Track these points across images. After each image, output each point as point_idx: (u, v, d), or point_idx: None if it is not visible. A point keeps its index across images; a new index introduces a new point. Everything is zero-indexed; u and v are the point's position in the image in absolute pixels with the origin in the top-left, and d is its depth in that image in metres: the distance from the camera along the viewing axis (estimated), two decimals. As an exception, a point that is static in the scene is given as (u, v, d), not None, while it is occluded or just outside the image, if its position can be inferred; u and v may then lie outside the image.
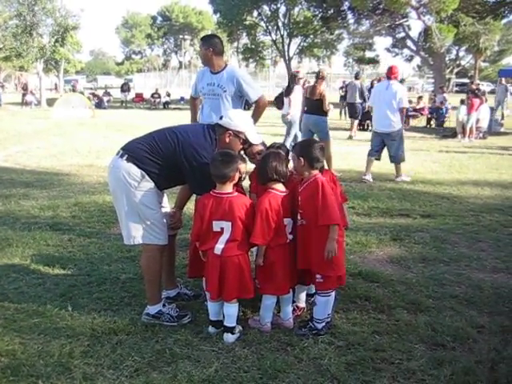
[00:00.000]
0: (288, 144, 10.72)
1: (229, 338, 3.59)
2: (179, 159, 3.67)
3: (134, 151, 3.73)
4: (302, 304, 4.10)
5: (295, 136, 11.09)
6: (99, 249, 5.52)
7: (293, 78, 11.36)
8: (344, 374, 3.19)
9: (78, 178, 9.57)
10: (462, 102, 16.84)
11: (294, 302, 4.04)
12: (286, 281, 3.76)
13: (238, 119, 3.83)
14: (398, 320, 3.91)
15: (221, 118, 3.89)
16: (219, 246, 3.55)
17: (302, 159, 3.67)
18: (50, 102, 27.60)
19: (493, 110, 18.28)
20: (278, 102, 12.04)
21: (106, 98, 33.57)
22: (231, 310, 3.63)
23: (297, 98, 10.89)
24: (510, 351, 3.45)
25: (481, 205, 7.65)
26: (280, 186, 3.70)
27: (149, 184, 3.71)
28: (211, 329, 3.71)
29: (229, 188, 3.59)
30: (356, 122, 17.17)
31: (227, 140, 3.79)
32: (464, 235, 6.10)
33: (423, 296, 4.36)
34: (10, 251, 5.33)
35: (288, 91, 11.28)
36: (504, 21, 33.64)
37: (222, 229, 3.55)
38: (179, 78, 63.65)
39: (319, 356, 3.40)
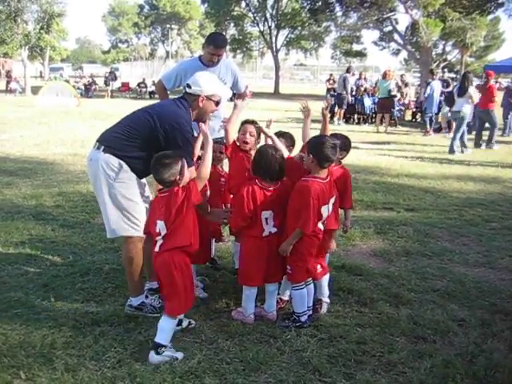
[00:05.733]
0: (457, 139, 12.50)
1: (152, 357, 3.23)
2: (159, 135, 3.62)
3: (110, 141, 3.70)
4: (286, 297, 4.11)
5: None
6: (83, 239, 5.49)
7: (466, 79, 12.56)
8: (326, 366, 3.22)
9: (62, 167, 9.48)
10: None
11: (278, 294, 4.06)
12: (259, 273, 3.76)
13: (207, 84, 3.80)
14: (380, 313, 3.95)
15: (188, 86, 3.83)
16: (156, 248, 3.36)
17: (311, 156, 3.67)
18: (35, 90, 27.28)
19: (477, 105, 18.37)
20: (450, 100, 13.88)
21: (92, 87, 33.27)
22: (163, 324, 3.31)
23: (475, 97, 12.55)
24: (489, 344, 3.51)
25: (464, 199, 7.72)
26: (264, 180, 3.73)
27: (127, 175, 3.67)
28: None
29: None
30: (342, 111, 18.90)
31: (201, 105, 3.79)
32: (447, 229, 6.16)
33: (405, 289, 4.40)
34: (-8, 241, 5.28)
35: (462, 91, 12.49)
36: (490, 17, 33.84)
37: (160, 229, 3.33)
38: (166, 68, 63.19)
39: (301, 348, 3.43)
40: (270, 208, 3.71)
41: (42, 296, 4.08)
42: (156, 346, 3.24)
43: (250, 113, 5.16)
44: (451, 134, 15.86)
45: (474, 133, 14.41)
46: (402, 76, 23.28)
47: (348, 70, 19.52)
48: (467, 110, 12.51)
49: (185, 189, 3.28)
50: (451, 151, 12.34)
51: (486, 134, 13.79)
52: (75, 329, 3.59)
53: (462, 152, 12.50)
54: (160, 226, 3.27)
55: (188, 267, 3.35)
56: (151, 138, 3.64)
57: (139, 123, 3.72)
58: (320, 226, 3.77)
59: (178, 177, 3.26)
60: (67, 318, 3.73)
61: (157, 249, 3.33)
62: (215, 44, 4.85)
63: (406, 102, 20.75)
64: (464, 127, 12.57)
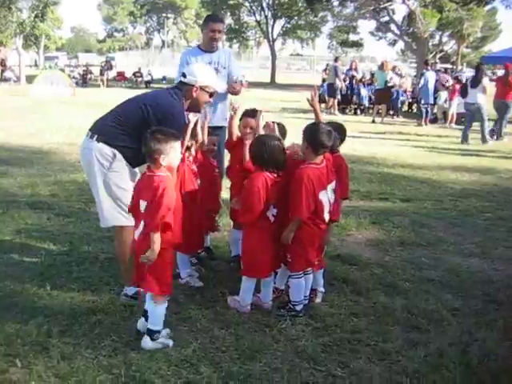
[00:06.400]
0: (486, 128, 12.68)
1: (146, 343, 3.24)
2: (151, 124, 3.56)
3: (103, 130, 3.69)
4: (282, 286, 4.12)
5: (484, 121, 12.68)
6: (78, 228, 5.49)
7: (480, 70, 12.86)
8: (320, 354, 3.24)
9: (58, 156, 9.46)
10: (444, 87, 16.91)
11: (274, 283, 4.07)
12: (268, 263, 3.76)
13: (202, 74, 3.81)
14: (375, 302, 3.97)
15: (183, 75, 3.82)
16: (138, 231, 3.29)
17: (305, 143, 3.69)
18: (30, 79, 27.12)
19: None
20: (463, 92, 13.72)
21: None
22: (152, 310, 3.28)
23: (487, 88, 12.74)
24: (483, 333, 3.53)
25: (459, 190, 7.75)
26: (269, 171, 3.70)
27: (121, 164, 3.68)
28: (140, 320, 3.42)
29: (161, 168, 3.19)
30: (335, 101, 18.73)
31: (194, 95, 3.79)
32: (442, 220, 6.19)
33: (400, 279, 4.42)
34: (-13, 230, 5.28)
35: (476, 83, 12.64)
36: (487, 7, 33.76)
37: (143, 210, 3.23)
38: (162, 57, 62.85)
39: (296, 337, 3.44)
40: (276, 197, 3.71)
41: (38, 285, 4.08)
42: (151, 333, 3.25)
43: (248, 103, 5.16)
44: (447, 125, 15.95)
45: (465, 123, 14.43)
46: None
47: (336, 60, 19.64)
48: (482, 101, 12.64)
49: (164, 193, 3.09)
50: (484, 141, 12.61)
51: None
52: (71, 317, 3.59)
53: (465, 142, 12.56)
54: (143, 207, 3.20)
55: (169, 254, 3.32)
56: (143, 127, 3.58)
57: (132, 112, 3.72)
58: (326, 216, 3.77)
59: (163, 157, 3.14)
60: (63, 307, 3.74)
61: (137, 234, 3.28)
62: (214, 19, 5.12)
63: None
64: (486, 117, 12.69)
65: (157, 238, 3.11)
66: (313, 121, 4.03)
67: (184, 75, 3.83)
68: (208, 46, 5.10)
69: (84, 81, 31.55)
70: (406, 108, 21.02)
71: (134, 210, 3.35)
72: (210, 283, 4.24)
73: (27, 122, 13.81)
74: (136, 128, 3.65)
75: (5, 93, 23.33)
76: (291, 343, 3.38)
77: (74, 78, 30.70)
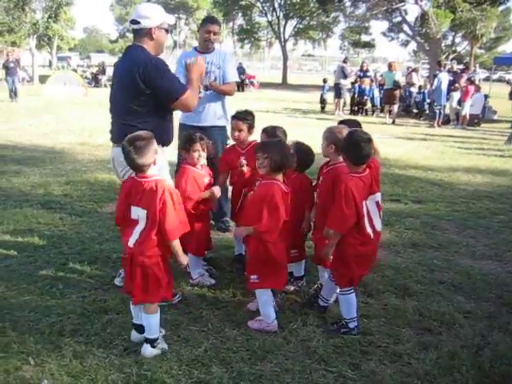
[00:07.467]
0: None
1: (147, 351, 3.20)
2: (140, 83, 3.54)
3: (126, 133, 3.66)
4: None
5: None
6: (90, 228, 5.52)
7: None
8: (331, 356, 3.24)
9: (70, 156, 9.51)
10: (455, 88, 16.81)
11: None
12: (285, 274, 3.69)
13: (153, 14, 3.72)
14: (387, 304, 3.96)
15: (135, 22, 3.70)
16: (133, 239, 3.13)
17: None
18: (43, 79, 27.30)
19: (486, 97, 18.28)
20: None
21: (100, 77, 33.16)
22: (148, 322, 3.22)
23: None
24: (495, 336, 3.51)
25: (471, 192, 7.70)
26: (281, 177, 3.53)
27: (158, 159, 3.60)
28: (133, 333, 3.37)
29: (151, 172, 3.11)
30: (342, 101, 18.71)
31: (155, 36, 3.72)
32: (454, 222, 6.15)
33: (412, 281, 4.41)
34: (0, 229, 5.33)
35: None
36: (501, 8, 33.50)
37: (138, 217, 3.12)
38: (174, 57, 62.96)
39: (307, 338, 3.44)
40: (289, 209, 3.57)
41: (51, 284, 4.12)
42: (150, 341, 3.20)
43: (259, 104, 5.16)
44: (459, 126, 15.86)
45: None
46: (408, 68, 23.00)
47: (345, 61, 19.50)
48: None
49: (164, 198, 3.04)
50: (509, 143, 12.64)
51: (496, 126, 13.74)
52: (83, 316, 3.62)
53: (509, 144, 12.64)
54: (140, 214, 3.09)
55: (165, 261, 3.22)
56: (145, 98, 3.59)
57: (127, 96, 3.67)
58: (369, 230, 3.45)
59: (151, 166, 3.07)
60: (75, 306, 3.76)
61: (132, 242, 3.12)
62: (211, 21, 5.19)
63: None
64: None
65: (176, 243, 3.11)
66: (323, 123, 4.00)
67: (135, 22, 3.71)
68: (203, 47, 5.17)
69: (96, 81, 31.68)
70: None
71: (122, 218, 3.22)
72: (221, 283, 4.25)
73: (40, 122, 13.91)
74: (141, 105, 3.61)
75: (18, 93, 23.46)
76: (302, 344, 3.38)
77: (86, 78, 30.84)
